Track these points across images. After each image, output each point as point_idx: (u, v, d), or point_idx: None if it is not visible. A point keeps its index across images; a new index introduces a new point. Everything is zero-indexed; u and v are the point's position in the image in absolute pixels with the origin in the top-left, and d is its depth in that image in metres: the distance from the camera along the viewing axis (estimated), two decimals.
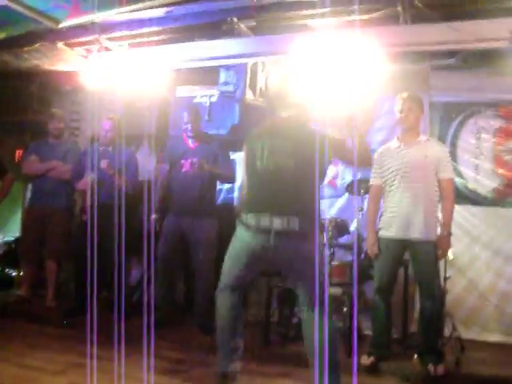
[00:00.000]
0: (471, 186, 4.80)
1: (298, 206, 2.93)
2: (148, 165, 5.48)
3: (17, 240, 6.42)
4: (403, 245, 3.81)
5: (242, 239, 3.05)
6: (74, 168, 5.17)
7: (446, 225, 3.75)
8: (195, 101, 5.00)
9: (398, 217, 3.78)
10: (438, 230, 3.77)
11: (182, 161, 4.68)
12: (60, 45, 4.78)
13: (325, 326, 2.84)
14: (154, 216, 4.71)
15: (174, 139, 5.00)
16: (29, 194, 5.74)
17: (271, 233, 2.91)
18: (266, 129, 3.18)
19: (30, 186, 5.72)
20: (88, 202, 4.80)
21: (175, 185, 4.75)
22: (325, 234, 4.26)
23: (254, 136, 3.19)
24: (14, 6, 3.99)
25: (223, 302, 3.11)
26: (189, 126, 4.65)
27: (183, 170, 4.68)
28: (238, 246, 3.08)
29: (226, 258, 3.14)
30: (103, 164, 4.79)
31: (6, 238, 6.72)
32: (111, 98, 5.20)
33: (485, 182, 4.78)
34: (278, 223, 2.90)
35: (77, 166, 5.13)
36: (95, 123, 5.20)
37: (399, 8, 3.96)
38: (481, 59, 4.47)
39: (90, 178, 4.72)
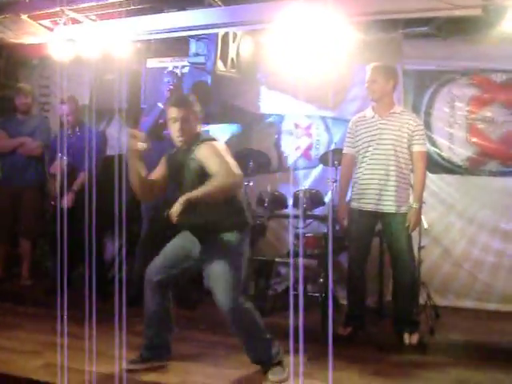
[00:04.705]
0: (445, 154, 4.80)
1: None
2: (120, 138, 5.36)
3: None
4: (375, 216, 3.81)
5: None
6: (45, 144, 5.06)
7: (417, 197, 3.75)
8: (167, 71, 4.87)
9: (370, 188, 3.76)
10: (410, 201, 3.78)
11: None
12: (24, 17, 4.62)
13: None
14: None
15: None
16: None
17: None
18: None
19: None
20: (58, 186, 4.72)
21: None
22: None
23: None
24: None
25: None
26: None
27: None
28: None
29: None
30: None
31: None
32: (80, 72, 5.08)
33: (459, 151, 4.78)
34: None
35: (46, 142, 5.01)
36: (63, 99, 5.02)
37: None
38: (455, 27, 4.43)
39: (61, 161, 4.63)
